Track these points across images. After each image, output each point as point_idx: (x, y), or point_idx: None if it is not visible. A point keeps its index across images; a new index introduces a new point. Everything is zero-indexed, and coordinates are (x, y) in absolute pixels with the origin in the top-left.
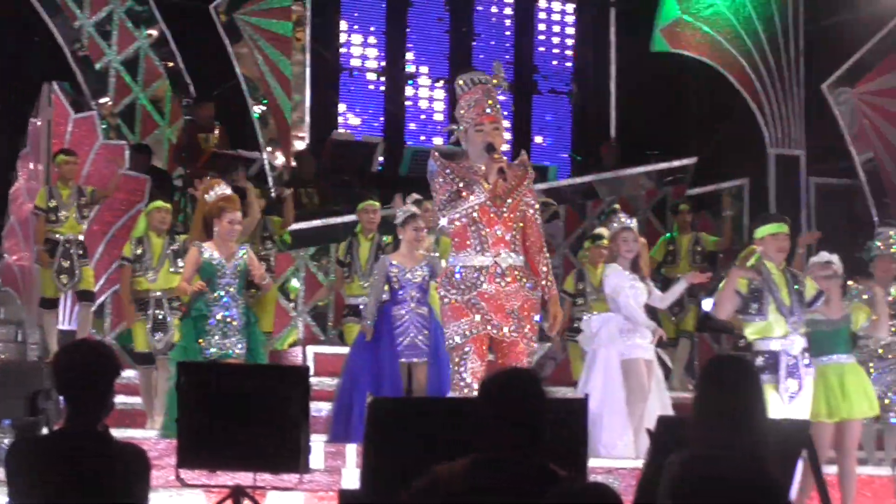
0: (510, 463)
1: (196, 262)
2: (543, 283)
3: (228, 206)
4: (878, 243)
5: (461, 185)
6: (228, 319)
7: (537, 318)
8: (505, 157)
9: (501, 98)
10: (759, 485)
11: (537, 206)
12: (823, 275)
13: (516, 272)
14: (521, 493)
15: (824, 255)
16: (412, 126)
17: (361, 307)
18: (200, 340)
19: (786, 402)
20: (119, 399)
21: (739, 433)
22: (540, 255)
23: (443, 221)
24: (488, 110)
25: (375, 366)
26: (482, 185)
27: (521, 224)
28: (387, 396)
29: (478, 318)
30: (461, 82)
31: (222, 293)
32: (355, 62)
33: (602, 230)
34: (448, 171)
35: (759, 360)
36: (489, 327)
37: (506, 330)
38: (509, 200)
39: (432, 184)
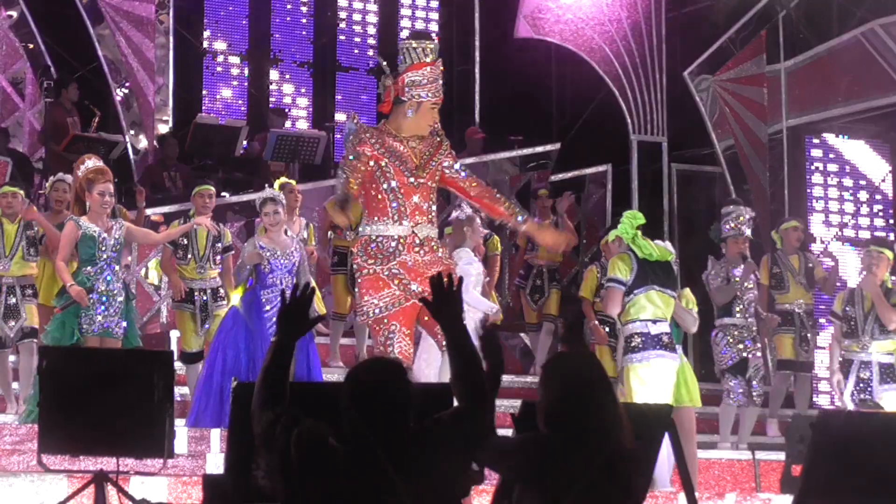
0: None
1: (73, 237)
2: (512, 212)
3: (98, 178)
4: (731, 224)
5: (383, 154)
6: (112, 293)
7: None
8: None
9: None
10: (612, 465)
11: (457, 164)
12: None
13: (433, 243)
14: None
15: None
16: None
17: (197, 293)
18: (82, 318)
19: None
20: None
21: (584, 429)
22: (492, 194)
23: (340, 181)
24: (438, 91)
25: (250, 348)
26: (410, 159)
27: (436, 194)
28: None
29: (398, 290)
30: (420, 48)
31: (104, 266)
32: (218, 45)
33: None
34: (370, 136)
35: (638, 341)
36: (413, 296)
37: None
38: (426, 171)
39: (346, 143)
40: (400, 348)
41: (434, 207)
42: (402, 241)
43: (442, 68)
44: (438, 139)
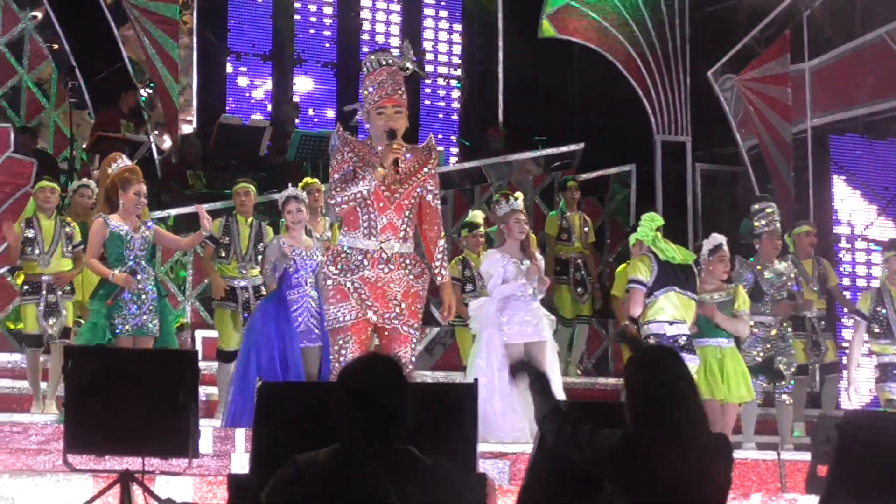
0: (372, 450)
1: (101, 235)
2: (437, 269)
3: (133, 178)
4: (764, 220)
5: (358, 165)
6: (143, 292)
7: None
8: (404, 145)
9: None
10: (704, 470)
11: (437, 192)
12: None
13: (402, 259)
14: (384, 479)
15: (717, 238)
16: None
17: (239, 291)
18: (115, 318)
19: None
20: (5, 383)
21: (679, 422)
22: (437, 242)
23: (331, 202)
24: (391, 92)
25: (281, 348)
26: (376, 170)
27: (416, 210)
28: (291, 379)
29: (356, 303)
30: (368, 62)
31: (133, 265)
32: (242, 46)
33: (477, 215)
34: (347, 148)
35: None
36: (370, 313)
37: (387, 316)
38: (404, 187)
39: (331, 160)
40: (347, 359)
41: (409, 224)
42: (368, 255)
43: (399, 73)
44: (427, 154)
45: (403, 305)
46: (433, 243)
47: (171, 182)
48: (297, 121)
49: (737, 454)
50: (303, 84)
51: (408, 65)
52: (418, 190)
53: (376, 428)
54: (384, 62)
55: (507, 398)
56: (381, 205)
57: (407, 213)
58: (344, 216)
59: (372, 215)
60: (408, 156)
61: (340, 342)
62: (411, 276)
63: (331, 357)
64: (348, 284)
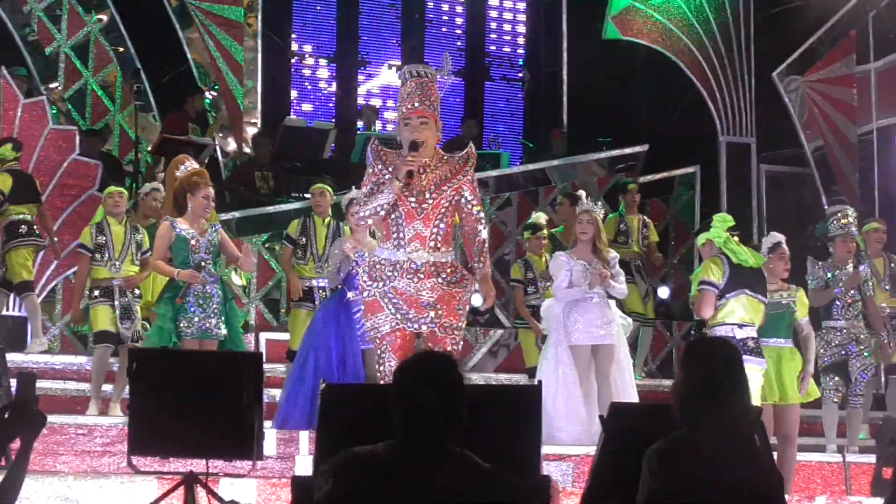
0: (422, 449)
1: (167, 238)
2: (476, 263)
3: (201, 182)
4: (838, 223)
5: (387, 179)
6: (207, 294)
7: (477, 302)
8: (419, 156)
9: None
10: (747, 462)
11: (475, 198)
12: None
13: (434, 269)
14: (442, 481)
15: (776, 236)
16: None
17: (317, 291)
18: (181, 321)
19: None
20: (70, 385)
21: (722, 411)
22: (474, 239)
23: (355, 217)
24: (417, 104)
25: (340, 350)
26: (394, 182)
27: (450, 218)
28: (349, 381)
29: (394, 310)
30: (402, 74)
31: (197, 267)
32: (307, 48)
33: (540, 217)
34: (378, 162)
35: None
36: (407, 323)
37: (423, 326)
38: (434, 196)
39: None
40: (390, 367)
41: (441, 232)
42: (397, 266)
43: (429, 83)
44: (463, 162)
45: (439, 308)
46: (471, 241)
47: (240, 186)
48: (378, 124)
49: (802, 456)
50: (367, 86)
51: (444, 77)
52: (453, 198)
53: (427, 427)
54: (415, 73)
55: (571, 400)
56: (408, 215)
57: (438, 222)
58: (379, 228)
59: (400, 226)
60: (430, 165)
61: (380, 352)
62: (446, 284)
63: (376, 366)
64: (380, 295)
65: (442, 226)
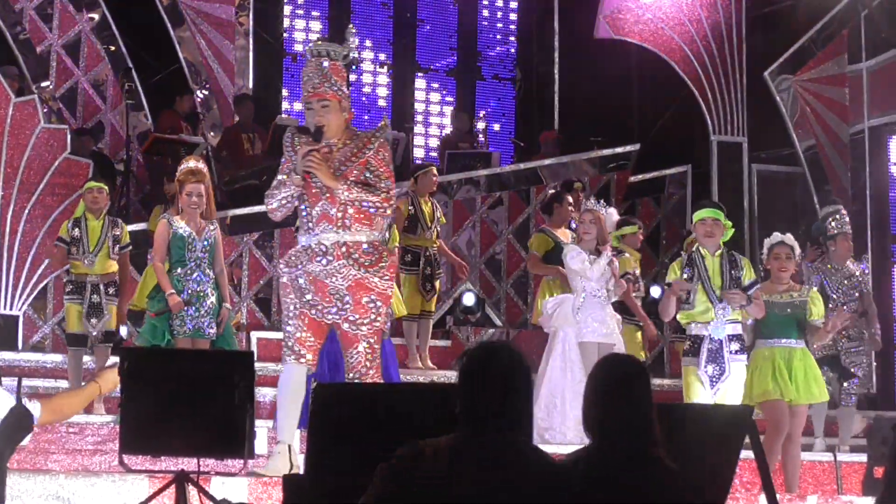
0: (494, 442)
1: (165, 236)
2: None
3: (188, 179)
4: (836, 222)
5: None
6: (202, 294)
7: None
8: (317, 143)
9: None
10: (651, 479)
11: (383, 172)
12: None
13: (343, 248)
14: (505, 472)
15: (777, 236)
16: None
17: None
18: (173, 318)
19: (707, 386)
20: (63, 384)
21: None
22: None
23: (267, 209)
24: (316, 86)
25: (331, 351)
26: (293, 175)
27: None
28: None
29: (302, 296)
30: (308, 50)
31: (193, 266)
32: (298, 47)
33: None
34: (291, 151)
35: (687, 345)
36: (313, 311)
37: (329, 316)
38: (338, 174)
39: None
40: (295, 350)
41: (352, 210)
42: (308, 251)
43: (331, 63)
44: (370, 137)
45: (347, 300)
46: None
47: (222, 151)
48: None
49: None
50: (360, 85)
51: (349, 53)
52: (361, 173)
53: (488, 417)
54: (315, 53)
55: (578, 398)
56: (314, 197)
57: (346, 194)
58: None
59: (306, 208)
60: (337, 144)
61: (285, 336)
62: (358, 267)
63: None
64: (291, 279)
65: (354, 203)
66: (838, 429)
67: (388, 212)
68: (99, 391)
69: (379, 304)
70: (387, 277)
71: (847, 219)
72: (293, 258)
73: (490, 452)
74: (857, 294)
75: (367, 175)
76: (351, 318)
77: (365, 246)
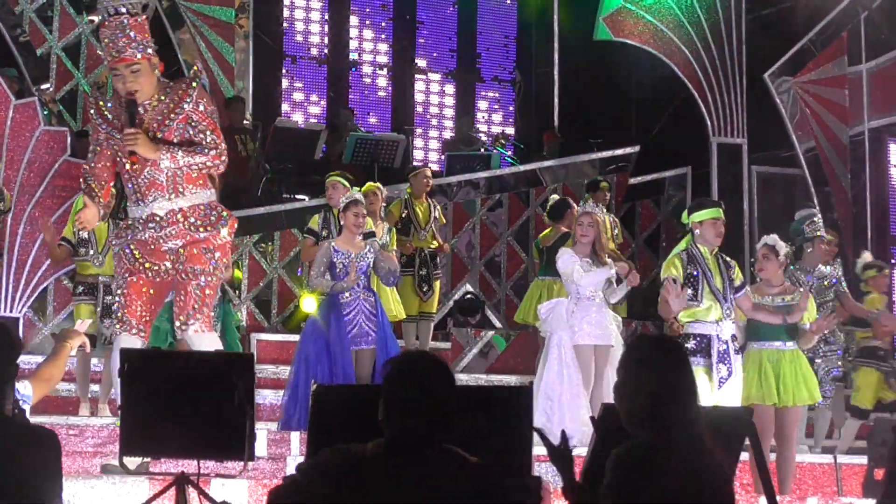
0: (417, 448)
1: None
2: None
3: None
4: (812, 226)
5: (111, 134)
6: None
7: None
8: (135, 135)
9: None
10: (704, 473)
11: (206, 125)
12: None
13: (179, 215)
14: (430, 478)
15: (764, 238)
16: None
17: None
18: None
19: (716, 386)
20: (62, 386)
21: (675, 421)
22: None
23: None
24: (122, 49)
25: (328, 354)
26: (122, 163)
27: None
28: (337, 384)
29: (128, 264)
30: (100, 11)
31: None
32: (298, 50)
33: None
34: (99, 117)
35: (691, 344)
36: (147, 274)
37: (163, 267)
38: (158, 136)
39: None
40: (124, 321)
41: (182, 173)
42: (139, 221)
43: (131, 20)
44: (185, 87)
45: (185, 255)
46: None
47: None
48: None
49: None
50: (358, 88)
51: (147, 2)
52: (184, 130)
53: (412, 425)
54: (112, 11)
55: (575, 401)
56: (137, 165)
57: (170, 163)
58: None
59: (133, 178)
60: (150, 104)
61: (115, 306)
62: (193, 229)
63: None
64: (120, 248)
65: (176, 169)
66: (814, 430)
67: (222, 168)
68: (69, 348)
69: (217, 255)
70: (225, 231)
71: (822, 223)
72: (123, 230)
73: (412, 458)
74: (831, 294)
75: (190, 132)
76: (188, 269)
77: (202, 209)
